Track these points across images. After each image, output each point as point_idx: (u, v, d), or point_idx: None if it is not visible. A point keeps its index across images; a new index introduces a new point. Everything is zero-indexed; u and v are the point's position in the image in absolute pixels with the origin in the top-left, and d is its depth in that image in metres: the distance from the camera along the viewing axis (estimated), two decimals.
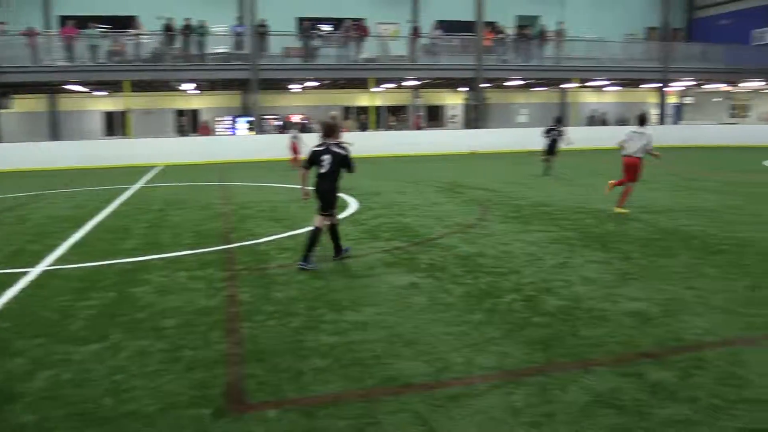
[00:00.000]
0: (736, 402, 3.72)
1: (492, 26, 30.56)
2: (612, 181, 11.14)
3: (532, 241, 8.28)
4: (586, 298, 5.76)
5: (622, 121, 34.91)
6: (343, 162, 7.03)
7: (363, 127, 31.76)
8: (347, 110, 33.18)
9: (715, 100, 38.24)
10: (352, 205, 11.89)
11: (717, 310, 5.38)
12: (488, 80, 29.53)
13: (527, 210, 10.98)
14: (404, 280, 6.48)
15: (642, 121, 10.79)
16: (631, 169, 10.60)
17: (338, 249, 7.43)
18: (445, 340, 4.80)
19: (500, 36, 30.18)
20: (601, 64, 30.83)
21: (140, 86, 27.46)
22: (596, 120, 34.91)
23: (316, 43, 27.41)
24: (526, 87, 33.88)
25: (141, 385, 4.09)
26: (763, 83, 34.05)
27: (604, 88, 35.31)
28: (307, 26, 27.66)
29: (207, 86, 29.64)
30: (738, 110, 37.32)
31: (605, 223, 9.55)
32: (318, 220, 7.13)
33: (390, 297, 5.93)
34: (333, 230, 7.35)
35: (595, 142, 29.22)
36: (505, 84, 31.91)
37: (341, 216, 10.50)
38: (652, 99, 35.90)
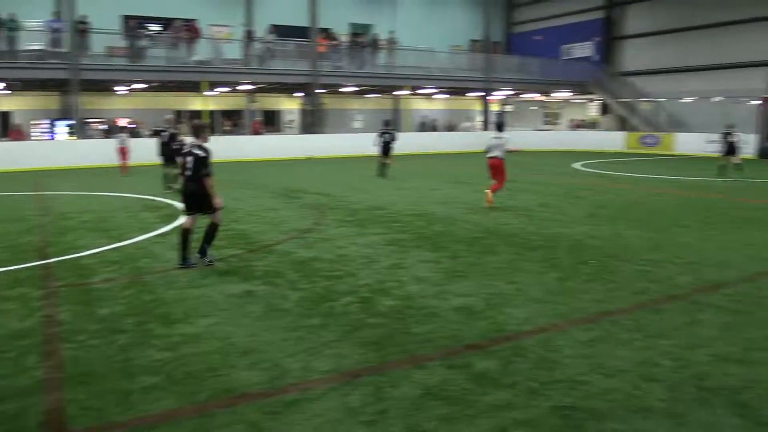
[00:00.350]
0: (549, 383, 4.08)
1: (326, 33, 30.92)
2: (488, 191, 12.00)
3: (367, 244, 8.49)
4: (417, 297, 6.01)
5: (450, 127, 36.89)
6: (200, 164, 7.00)
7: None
8: (179, 114, 31.80)
9: (531, 108, 41.66)
10: None
11: (533, 301, 5.86)
12: (323, 86, 29.82)
13: (363, 214, 11.24)
14: (239, 289, 6.36)
15: (499, 127, 12.82)
16: (496, 169, 12.14)
17: (203, 250, 7.34)
18: (281, 346, 4.78)
19: (334, 42, 30.63)
20: (430, 73, 32.40)
21: None
22: (427, 126, 36.55)
23: (143, 42, 26.01)
24: (361, 93, 34.65)
25: None
26: (571, 94, 37.66)
27: (434, 96, 37.07)
28: (134, 25, 26.17)
29: (19, 86, 26.98)
30: (551, 118, 40.94)
31: (434, 225, 10.03)
32: (188, 222, 7.22)
33: (224, 306, 5.79)
34: (184, 236, 7.28)
35: (426, 147, 30.68)
36: (340, 90, 32.41)
37: (173, 225, 10.08)
38: (477, 107, 38.28)
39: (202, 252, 7.30)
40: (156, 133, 17.25)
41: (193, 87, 28.05)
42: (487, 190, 12.07)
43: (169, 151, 14.65)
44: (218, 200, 7.20)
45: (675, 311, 5.57)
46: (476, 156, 28.51)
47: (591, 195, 13.99)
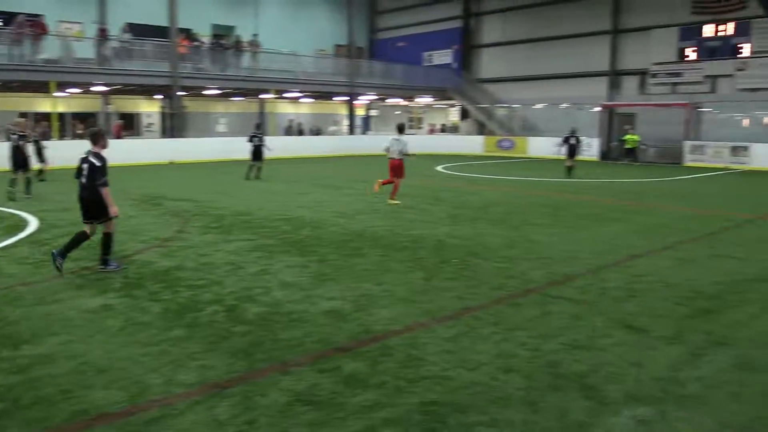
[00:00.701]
0: (415, 380, 4.20)
1: (187, 33, 29.86)
2: (380, 180, 13.72)
3: (233, 251, 8.30)
4: (285, 302, 5.96)
5: (316, 131, 36.93)
6: (96, 172, 6.84)
7: (45, 136, 28.39)
8: (24, 116, 29.32)
9: (396, 113, 42.67)
10: (33, 223, 10.57)
11: (400, 301, 6.01)
12: (185, 88, 28.75)
13: (228, 220, 10.96)
14: (95, 303, 5.98)
15: (400, 129, 14.06)
16: (396, 168, 13.40)
17: (104, 260, 7.19)
18: (142, 362, 4.55)
19: (196, 44, 29.65)
20: (295, 76, 32.24)
21: None
22: (293, 130, 36.35)
23: None
24: (225, 96, 33.80)
25: None
26: (432, 99, 39.01)
27: (300, 100, 36.95)
28: None
29: None
30: (415, 122, 42.14)
31: (302, 229, 9.99)
32: (87, 229, 7.12)
33: (78, 323, 5.42)
34: (79, 237, 7.11)
35: (292, 151, 30.47)
36: (203, 93, 31.42)
37: (17, 237, 9.30)
38: (344, 111, 38.62)
39: (104, 263, 7.16)
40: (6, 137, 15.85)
41: (41, 87, 26.01)
42: (379, 180, 13.75)
43: (21, 155, 13.61)
44: (113, 209, 7.02)
45: (530, 304, 5.94)
46: (343, 159, 28.78)
47: (452, 196, 14.57)
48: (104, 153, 7.13)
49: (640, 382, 4.21)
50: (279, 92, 32.72)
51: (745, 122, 27.20)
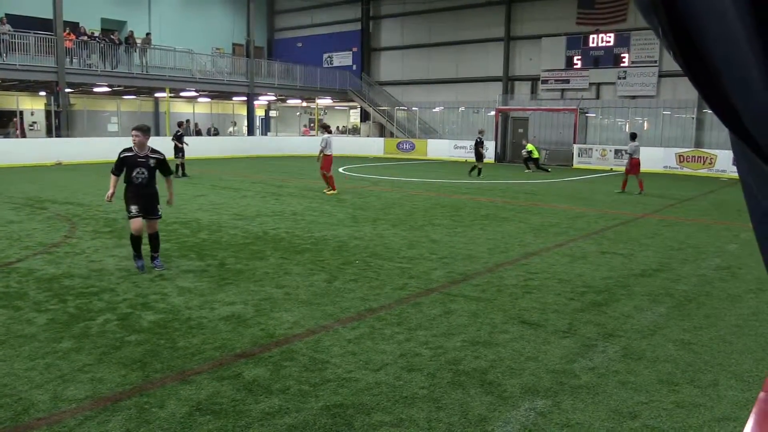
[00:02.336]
0: (319, 384, 4.16)
1: (74, 27, 28.24)
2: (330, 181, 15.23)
3: (126, 256, 7.90)
4: (183, 308, 5.75)
5: (215, 132, 35.97)
6: None
7: None
8: None
9: (297, 114, 42.32)
10: None
11: (302, 304, 5.94)
12: (72, 85, 27.18)
13: (120, 223, 10.42)
14: None
15: (326, 128, 16.23)
16: (329, 163, 15.24)
17: None
18: (26, 377, 4.24)
19: (83, 38, 28.09)
20: (190, 75, 31.26)
21: None
22: (190, 130, 35.19)
23: None
24: (117, 94, 32.24)
25: None
26: (332, 101, 39.00)
27: (197, 99, 35.87)
28: None
29: None
30: (315, 124, 41.92)
31: (200, 233, 9.69)
32: None
33: None
34: None
35: (190, 152, 29.48)
36: (93, 90, 29.84)
37: None
38: (242, 111, 37.85)
39: None
40: None
41: None
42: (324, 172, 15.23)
43: None
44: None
45: (432, 303, 6.04)
46: (243, 161, 28.20)
47: (353, 198, 14.61)
48: None
49: (537, 375, 4.37)
50: (175, 91, 31.61)
51: (627, 127, 29.05)
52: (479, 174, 20.94)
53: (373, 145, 34.79)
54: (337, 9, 38.90)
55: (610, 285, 6.89)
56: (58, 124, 26.94)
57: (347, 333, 5.16)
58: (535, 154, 25.69)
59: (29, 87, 28.32)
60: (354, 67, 38.52)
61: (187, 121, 25.51)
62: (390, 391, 4.07)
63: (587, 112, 29.72)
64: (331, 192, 15.14)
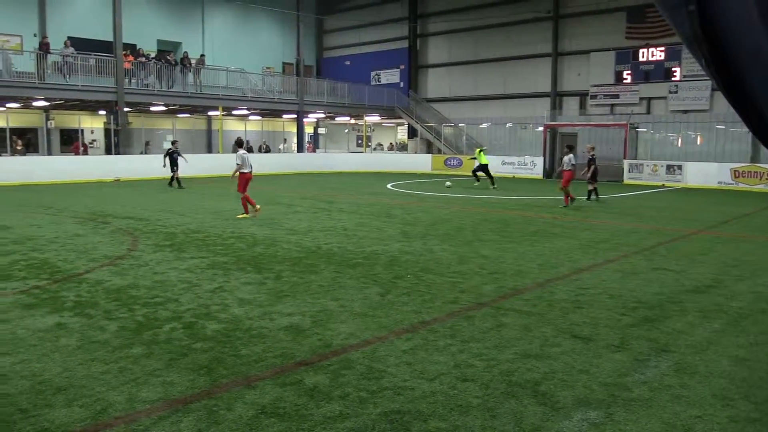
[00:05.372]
0: (377, 391, 4.33)
1: (132, 49, 29.43)
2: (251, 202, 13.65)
3: (188, 268, 8.26)
4: (244, 319, 6.01)
5: (266, 149, 36.77)
6: None
7: None
8: None
9: (345, 131, 42.93)
10: None
11: (357, 316, 6.13)
12: (130, 104, 28.29)
13: (180, 237, 10.88)
14: (48, 322, 5.89)
15: (240, 144, 14.18)
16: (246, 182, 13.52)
17: None
18: (102, 379, 4.54)
19: (141, 59, 29.24)
20: (242, 93, 32.14)
21: None
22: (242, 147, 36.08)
23: None
24: (172, 113, 33.35)
25: None
26: (380, 118, 39.44)
27: (248, 117, 36.77)
28: None
29: None
30: (363, 140, 42.43)
31: (255, 246, 10.01)
32: None
33: (32, 342, 5.33)
34: None
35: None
36: (149, 109, 30.96)
37: None
38: (293, 128, 38.61)
39: None
40: None
41: None
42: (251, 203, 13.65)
43: None
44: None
45: (483, 317, 6.15)
46: (293, 177, 28.77)
47: (402, 213, 14.80)
48: None
49: (589, 387, 4.45)
50: (227, 109, 32.52)
51: (679, 142, 28.54)
52: (597, 196, 18.41)
53: (420, 162, 34.99)
54: (384, 28, 39.44)
55: (662, 301, 6.87)
56: (117, 141, 28.03)
57: (402, 344, 5.32)
58: (483, 160, 22.97)
59: (90, 106, 29.54)
60: (401, 84, 38.92)
61: (173, 143, 26.44)
62: (445, 399, 4.21)
63: (638, 127, 29.32)
64: (243, 216, 13.40)
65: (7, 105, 27.08)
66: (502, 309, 6.45)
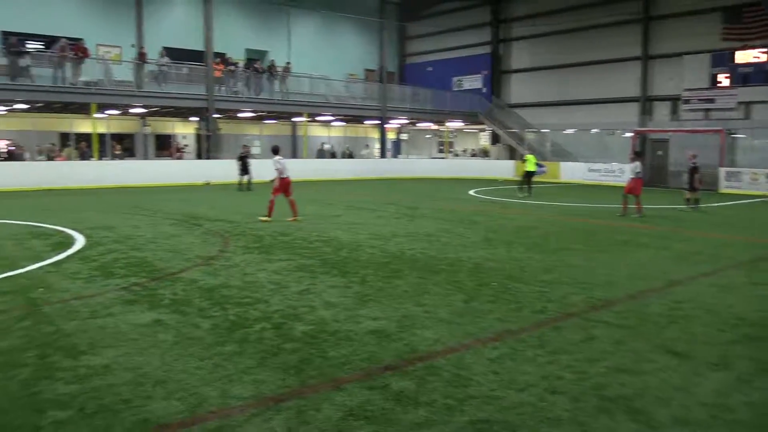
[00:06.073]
0: (464, 399, 4.29)
1: (222, 57, 30.60)
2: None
3: (276, 270, 8.48)
4: (331, 321, 6.10)
5: (348, 155, 37.31)
6: None
7: (84, 156, 29.17)
8: (65, 137, 30.24)
9: (427, 137, 42.97)
10: (79, 240, 10.91)
11: (442, 322, 6.10)
12: (220, 111, 29.41)
13: (268, 240, 11.18)
14: (147, 318, 6.19)
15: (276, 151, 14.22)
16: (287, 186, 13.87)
17: None
18: (197, 374, 4.72)
19: (230, 68, 30.34)
20: (326, 100, 32.79)
21: None
22: (325, 153, 36.79)
23: (25, 61, 24.61)
24: (259, 119, 34.41)
25: None
26: (463, 123, 39.23)
27: (332, 123, 37.43)
28: (14, 42, 24.73)
29: None
30: (445, 146, 42.36)
31: (340, 250, 10.15)
32: None
33: (133, 336, 5.62)
34: None
35: (323, 173, 30.86)
36: (237, 115, 32.07)
37: (66, 253, 9.61)
38: (375, 134, 39.02)
39: None
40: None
41: (81, 109, 26.81)
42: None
43: None
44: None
45: (572, 328, 5.99)
46: (375, 183, 29.05)
47: (486, 220, 14.63)
48: None
49: (687, 406, 4.24)
50: (311, 115, 33.23)
51: None
52: (697, 204, 17.77)
53: (502, 168, 34.54)
54: (466, 33, 39.24)
55: (765, 318, 6.48)
56: (208, 146, 29.18)
57: (488, 352, 5.25)
58: (531, 167, 22.32)
59: (182, 113, 30.90)
60: (484, 89, 38.61)
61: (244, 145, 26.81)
62: (534, 411, 4.13)
63: (735, 133, 27.82)
64: (266, 219, 13.64)
65: (108, 112, 28.72)
66: (592, 321, 6.26)
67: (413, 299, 6.99)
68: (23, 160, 26.58)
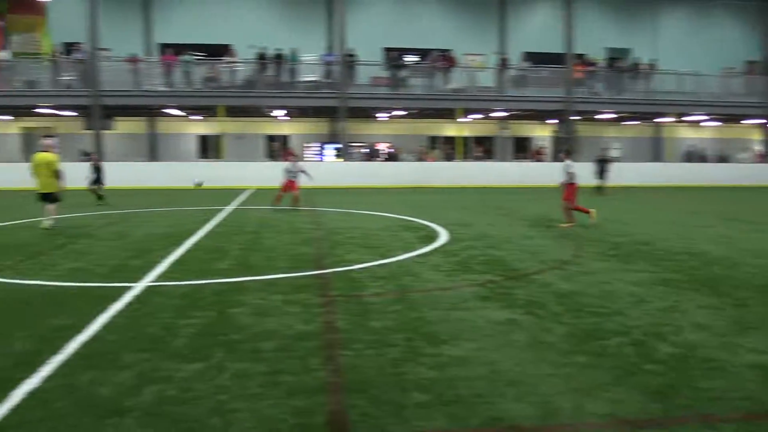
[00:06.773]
0: None
1: (581, 58, 30.06)
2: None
3: (635, 282, 7.89)
4: (700, 347, 5.38)
5: (723, 158, 33.34)
6: None
7: (449, 157, 31.75)
8: (433, 140, 33.29)
9: None
10: (443, 235, 11.78)
11: None
12: (578, 113, 28.94)
13: (626, 248, 10.52)
14: (501, 316, 6.29)
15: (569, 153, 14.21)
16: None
17: None
18: (550, 381, 4.58)
19: (591, 68, 29.62)
20: (697, 98, 29.67)
21: (233, 112, 28.54)
22: (694, 156, 33.46)
23: (403, 72, 27.76)
24: (618, 121, 32.94)
25: (244, 408, 4.09)
26: None
27: (702, 123, 33.86)
28: (394, 56, 28.03)
29: (297, 113, 30.46)
30: None
31: (711, 266, 8.99)
32: None
33: (488, 332, 5.75)
34: None
35: (692, 179, 28.06)
36: (595, 117, 31.19)
37: (432, 246, 10.41)
38: (756, 135, 34.14)
39: None
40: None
41: (448, 114, 29.11)
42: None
43: None
44: None
45: None
46: (756, 191, 25.32)
47: None
48: None
49: None
50: (678, 116, 30.52)
51: None
52: None
53: None
54: None
55: None
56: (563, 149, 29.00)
57: None
58: None
59: (540, 116, 31.29)
60: None
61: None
62: None
63: None
64: (568, 225, 13.15)
65: (471, 116, 30.63)
66: None
67: None
68: (400, 160, 30.01)
